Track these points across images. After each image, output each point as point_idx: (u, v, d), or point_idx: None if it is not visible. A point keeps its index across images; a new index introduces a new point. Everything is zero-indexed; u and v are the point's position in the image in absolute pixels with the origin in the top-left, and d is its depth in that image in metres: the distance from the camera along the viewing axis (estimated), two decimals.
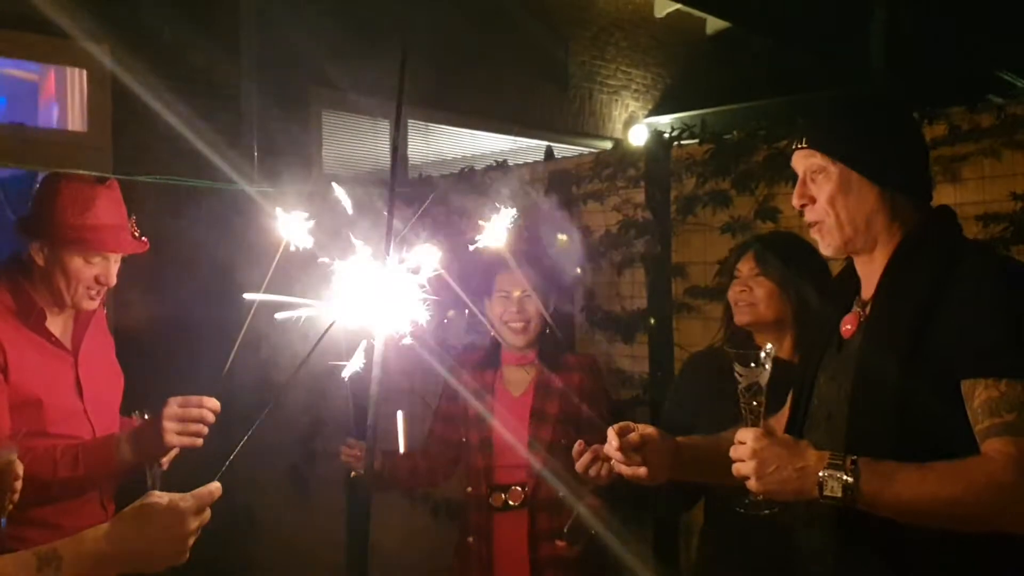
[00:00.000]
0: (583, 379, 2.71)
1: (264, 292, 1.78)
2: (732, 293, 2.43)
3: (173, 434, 2.11)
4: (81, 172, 2.36)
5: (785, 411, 1.85)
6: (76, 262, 2.27)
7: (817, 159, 1.66)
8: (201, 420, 2.15)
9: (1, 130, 4.43)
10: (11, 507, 1.79)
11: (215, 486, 1.51)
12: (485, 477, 2.65)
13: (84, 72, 4.35)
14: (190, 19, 4.17)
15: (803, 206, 1.70)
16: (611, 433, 1.73)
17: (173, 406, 2.13)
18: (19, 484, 1.79)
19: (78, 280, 2.28)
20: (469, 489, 2.69)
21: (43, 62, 4.46)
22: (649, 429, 1.75)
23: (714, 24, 7.77)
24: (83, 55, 4.26)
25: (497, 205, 1.53)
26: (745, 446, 1.52)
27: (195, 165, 3.98)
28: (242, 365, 2.01)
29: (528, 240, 3.04)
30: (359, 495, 4.11)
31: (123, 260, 2.41)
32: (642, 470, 1.73)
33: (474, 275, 2.56)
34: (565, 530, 2.36)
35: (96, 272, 2.30)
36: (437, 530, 3.82)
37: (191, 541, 1.46)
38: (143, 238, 2.39)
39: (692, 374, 2.62)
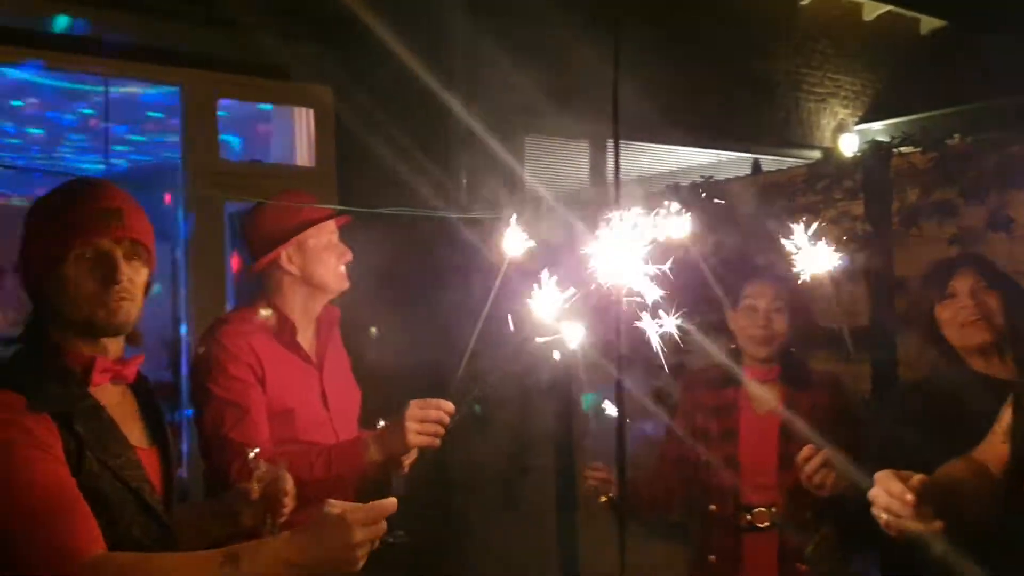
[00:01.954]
0: (830, 397, 2.61)
1: (488, 311, 1.85)
2: (948, 312, 2.33)
3: (415, 434, 2.24)
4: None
5: (997, 437, 1.70)
6: (319, 247, 2.50)
7: None
8: (439, 422, 2.26)
9: (240, 167, 4.87)
10: (282, 521, 1.89)
11: (390, 501, 1.55)
12: (732, 496, 2.58)
13: (311, 111, 4.70)
14: (404, 59, 4.40)
15: None
16: (899, 485, 1.51)
17: (414, 408, 2.26)
18: (288, 500, 1.87)
19: (329, 264, 2.51)
20: (713, 508, 2.63)
21: (275, 103, 4.85)
22: (920, 476, 1.55)
23: (929, 23, 7.35)
24: (309, 96, 4.61)
25: (753, 217, 1.47)
26: None
27: (411, 192, 4.20)
28: (465, 378, 2.12)
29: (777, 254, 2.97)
30: (569, 515, 4.18)
31: (351, 288, 2.60)
32: (937, 524, 1.51)
33: (719, 284, 2.52)
34: (808, 553, 2.30)
35: (338, 253, 2.54)
36: (649, 549, 3.80)
37: (360, 552, 1.49)
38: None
39: (914, 400, 2.50)
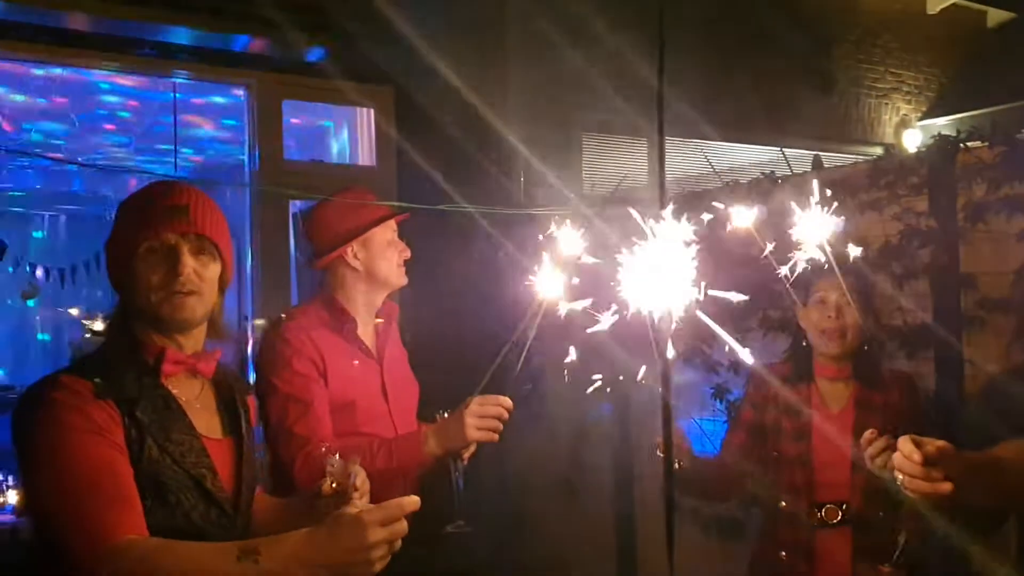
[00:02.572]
0: (902, 396, 2.58)
1: (542, 308, 1.86)
2: None
3: (474, 428, 2.28)
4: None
5: None
6: (382, 244, 2.57)
7: None
8: (498, 417, 2.31)
9: (302, 167, 4.95)
10: None
11: (410, 499, 1.52)
12: (805, 494, 2.57)
13: (371, 112, 4.77)
14: (461, 58, 4.44)
15: None
16: (909, 445, 1.62)
17: (473, 403, 2.30)
18: (359, 495, 1.85)
19: (391, 260, 2.59)
20: (783, 504, 2.62)
21: (338, 104, 4.93)
22: (940, 442, 1.64)
23: (996, 16, 7.18)
24: (371, 96, 4.67)
25: (818, 208, 1.45)
26: None
27: (469, 191, 4.24)
28: (519, 375, 2.15)
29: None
30: (626, 509, 4.19)
31: (408, 283, 2.67)
32: (945, 486, 1.61)
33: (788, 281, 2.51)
34: (895, 557, 2.27)
35: (398, 249, 2.62)
36: (705, 544, 3.79)
37: (377, 552, 1.46)
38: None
39: (991, 397, 2.47)
